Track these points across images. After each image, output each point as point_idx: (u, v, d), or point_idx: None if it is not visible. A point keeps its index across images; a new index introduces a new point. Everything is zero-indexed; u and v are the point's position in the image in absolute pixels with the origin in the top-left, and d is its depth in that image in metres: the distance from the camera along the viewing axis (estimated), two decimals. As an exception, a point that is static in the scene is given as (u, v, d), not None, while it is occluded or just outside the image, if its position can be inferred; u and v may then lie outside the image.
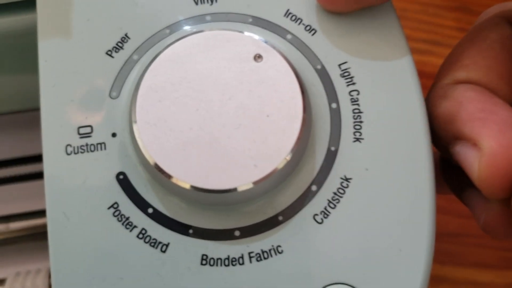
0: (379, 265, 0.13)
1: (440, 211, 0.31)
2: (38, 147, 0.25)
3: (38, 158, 0.25)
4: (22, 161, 0.25)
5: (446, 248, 0.29)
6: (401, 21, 0.32)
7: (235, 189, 0.13)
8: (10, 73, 0.20)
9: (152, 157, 0.13)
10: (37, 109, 0.22)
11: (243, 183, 0.13)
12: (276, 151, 0.13)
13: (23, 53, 0.18)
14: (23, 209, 0.24)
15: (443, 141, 0.14)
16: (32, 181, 0.25)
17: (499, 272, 0.29)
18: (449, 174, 0.17)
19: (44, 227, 0.24)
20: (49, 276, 0.24)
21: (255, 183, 0.13)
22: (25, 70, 0.19)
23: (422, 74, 0.33)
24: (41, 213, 0.24)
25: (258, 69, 0.13)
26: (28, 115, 0.26)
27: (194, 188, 0.13)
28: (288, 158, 0.13)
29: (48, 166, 0.14)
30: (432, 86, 0.16)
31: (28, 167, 0.25)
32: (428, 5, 0.36)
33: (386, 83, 0.14)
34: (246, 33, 0.14)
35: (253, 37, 0.14)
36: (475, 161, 0.13)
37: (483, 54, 0.15)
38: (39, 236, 0.25)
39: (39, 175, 0.25)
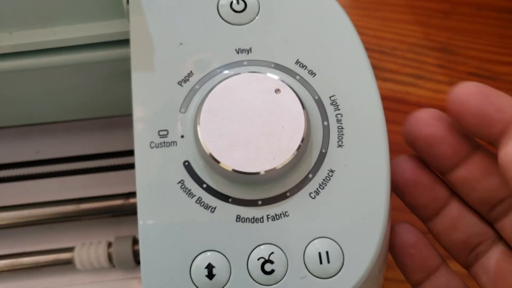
0: (351, 227, 0.20)
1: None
2: (106, 146, 0.32)
3: (106, 155, 0.33)
4: (91, 157, 0.33)
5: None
6: (391, 57, 0.43)
7: (259, 173, 0.20)
8: (100, 89, 0.28)
9: (208, 149, 0.20)
10: (114, 116, 0.30)
11: (266, 169, 0.20)
12: (287, 150, 0.20)
13: (119, 75, 0.26)
14: (91, 194, 0.32)
15: None
16: (100, 173, 0.32)
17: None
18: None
19: (105, 209, 0.32)
20: (108, 246, 0.31)
21: (273, 169, 0.20)
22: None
23: (406, 102, 0.41)
24: (104, 197, 0.32)
25: (277, 98, 0.21)
26: (98, 121, 0.33)
27: (235, 170, 0.20)
28: (294, 154, 0.20)
29: (138, 155, 0.21)
30: None
31: (95, 162, 0.33)
32: (414, 45, 0.43)
33: (360, 110, 0.22)
34: (270, 75, 0.21)
35: (275, 77, 0.21)
36: None
37: None
38: (101, 215, 0.32)
39: (105, 169, 0.32)
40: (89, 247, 0.31)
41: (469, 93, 0.20)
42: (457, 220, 0.23)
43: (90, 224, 0.32)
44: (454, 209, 0.23)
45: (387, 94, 0.40)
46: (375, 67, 0.40)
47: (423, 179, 0.23)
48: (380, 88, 0.35)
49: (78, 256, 0.31)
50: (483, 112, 0.19)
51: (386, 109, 0.37)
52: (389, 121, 0.39)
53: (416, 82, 0.42)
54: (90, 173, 0.33)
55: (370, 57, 0.45)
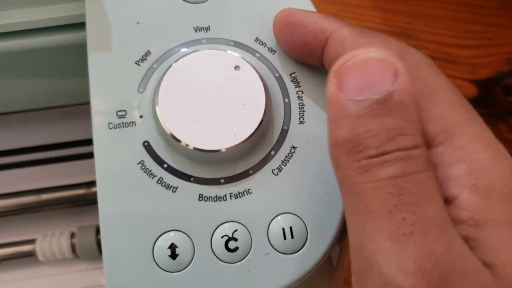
0: (314, 202, 0.20)
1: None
2: (65, 136, 0.32)
3: (65, 145, 0.32)
4: (50, 147, 0.32)
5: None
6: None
7: (220, 150, 0.20)
8: (57, 77, 0.27)
9: (169, 129, 0.20)
10: (73, 105, 0.29)
11: (227, 146, 0.20)
12: (248, 126, 0.20)
13: (73, 62, 0.25)
14: (52, 184, 0.31)
15: None
16: (60, 163, 0.32)
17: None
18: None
19: (67, 199, 0.31)
20: (71, 237, 0.31)
21: (234, 146, 0.20)
22: (71, 74, 0.27)
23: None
24: (65, 187, 0.31)
25: (237, 75, 0.21)
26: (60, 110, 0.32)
27: (196, 149, 0.20)
28: (255, 131, 0.20)
29: (96, 137, 0.21)
30: None
31: (56, 152, 0.32)
32: (374, 30, 0.44)
33: (320, 86, 0.22)
34: (229, 52, 0.21)
35: (234, 54, 0.21)
36: None
37: None
38: (63, 205, 0.31)
39: (65, 158, 0.32)
40: (51, 238, 0.30)
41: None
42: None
43: (52, 215, 0.31)
44: None
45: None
46: (337, 52, 0.40)
47: None
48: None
49: (40, 248, 0.30)
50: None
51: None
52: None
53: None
54: (50, 163, 0.32)
55: (332, 42, 0.45)
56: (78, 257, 0.31)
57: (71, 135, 0.32)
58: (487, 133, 0.18)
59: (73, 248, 0.30)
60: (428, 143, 0.18)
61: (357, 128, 0.15)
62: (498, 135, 0.40)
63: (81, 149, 0.32)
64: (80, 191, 0.31)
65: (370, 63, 0.15)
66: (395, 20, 0.45)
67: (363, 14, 0.45)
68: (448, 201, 0.17)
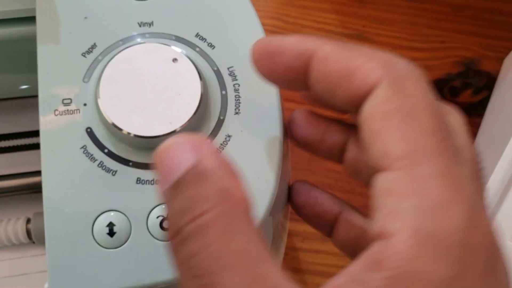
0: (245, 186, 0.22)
1: (349, 191, 0.40)
2: (18, 126, 0.33)
3: (19, 135, 0.33)
4: (7, 136, 0.33)
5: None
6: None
7: (158, 136, 0.21)
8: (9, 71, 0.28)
9: (110, 118, 0.21)
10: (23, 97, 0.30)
11: (164, 133, 0.21)
12: (184, 115, 0.21)
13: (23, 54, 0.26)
14: (6, 172, 0.32)
15: None
16: (18, 152, 0.33)
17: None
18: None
19: (24, 186, 0.32)
20: (27, 222, 0.32)
21: (170, 133, 0.21)
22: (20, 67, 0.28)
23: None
24: (21, 175, 0.32)
25: (175, 67, 0.22)
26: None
27: (135, 135, 0.21)
28: (191, 119, 0.21)
29: (43, 123, 0.22)
30: None
31: (14, 141, 0.33)
32: (332, 32, 0.46)
33: (256, 80, 0.23)
34: (169, 46, 0.23)
35: (173, 48, 0.23)
36: None
37: None
38: (18, 193, 0.32)
39: (19, 148, 0.33)
40: (7, 223, 0.31)
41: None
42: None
43: (10, 202, 0.32)
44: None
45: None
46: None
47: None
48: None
49: (-4, 233, 0.31)
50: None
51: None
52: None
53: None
54: (8, 152, 0.33)
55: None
56: (34, 242, 0.32)
57: (30, 125, 0.33)
58: (456, 169, 0.16)
59: (28, 233, 0.31)
60: (387, 166, 0.16)
61: (169, 215, 0.16)
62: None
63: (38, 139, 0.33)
64: (37, 178, 0.32)
65: (167, 152, 0.17)
66: (352, 23, 0.46)
67: (321, 17, 0.46)
68: (383, 235, 0.15)
